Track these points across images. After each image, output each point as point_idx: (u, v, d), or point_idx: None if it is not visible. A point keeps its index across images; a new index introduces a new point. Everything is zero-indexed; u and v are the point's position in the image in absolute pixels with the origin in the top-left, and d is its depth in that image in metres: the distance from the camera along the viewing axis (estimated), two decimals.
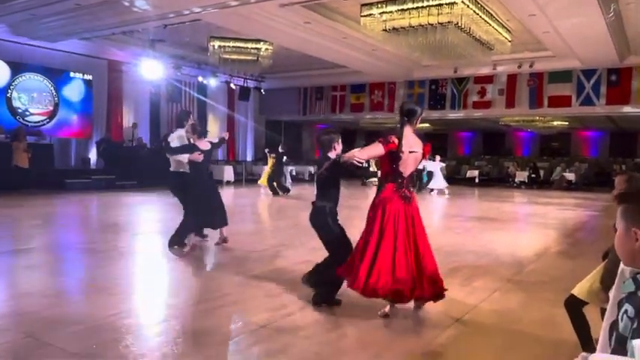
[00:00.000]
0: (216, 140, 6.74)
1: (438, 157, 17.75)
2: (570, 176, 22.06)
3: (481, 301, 4.55)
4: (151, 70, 15.64)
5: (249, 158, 23.87)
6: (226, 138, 7.08)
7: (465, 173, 24.38)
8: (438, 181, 17.68)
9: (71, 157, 17.52)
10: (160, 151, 17.93)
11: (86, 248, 6.81)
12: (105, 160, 17.07)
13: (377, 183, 4.44)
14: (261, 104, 23.63)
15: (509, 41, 12.31)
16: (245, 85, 21.46)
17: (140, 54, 15.76)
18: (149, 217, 10.15)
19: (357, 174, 5.13)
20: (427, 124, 25.90)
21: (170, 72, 17.58)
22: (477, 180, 22.98)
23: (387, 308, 4.01)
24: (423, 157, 4.20)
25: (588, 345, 2.98)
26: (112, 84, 17.90)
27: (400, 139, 3.91)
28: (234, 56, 15.63)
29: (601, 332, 2.58)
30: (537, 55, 16.15)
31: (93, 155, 17.62)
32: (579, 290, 2.98)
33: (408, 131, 4.00)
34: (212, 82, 19.90)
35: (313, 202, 4.33)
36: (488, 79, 18.69)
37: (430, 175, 17.95)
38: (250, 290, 4.70)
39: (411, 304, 4.20)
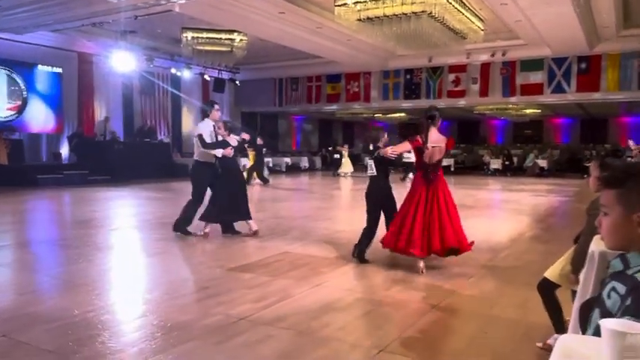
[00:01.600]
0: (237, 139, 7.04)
1: None
2: (543, 163, 22.48)
3: (458, 287, 4.62)
4: (122, 63, 15.34)
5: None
6: (247, 139, 7.28)
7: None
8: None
9: (42, 153, 17.14)
10: (133, 145, 17.74)
11: (61, 244, 6.69)
12: (77, 154, 16.75)
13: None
14: (236, 96, 23.43)
15: (482, 30, 12.41)
16: (219, 76, 21.24)
17: (111, 46, 15.44)
18: (124, 212, 10.02)
19: (397, 164, 6.48)
20: (402, 114, 26.08)
21: (142, 64, 17.28)
22: (452, 168, 23.24)
23: (421, 264, 5.06)
24: (447, 149, 5.26)
25: (560, 326, 3.06)
26: (83, 77, 17.52)
27: (426, 137, 5.08)
28: (208, 47, 15.43)
29: (572, 313, 2.67)
30: (510, 43, 16.36)
31: (65, 150, 17.26)
32: (551, 273, 3.06)
33: (432, 130, 5.14)
34: (186, 74, 19.63)
35: (371, 177, 5.59)
36: (462, 68, 18.87)
37: (411, 164, 18.15)
38: (229, 283, 4.69)
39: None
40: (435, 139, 5.15)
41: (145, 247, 6.48)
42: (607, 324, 1.14)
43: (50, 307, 3.96)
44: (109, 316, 3.79)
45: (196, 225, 6.88)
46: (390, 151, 5.28)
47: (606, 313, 1.39)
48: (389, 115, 26.88)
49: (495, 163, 22.80)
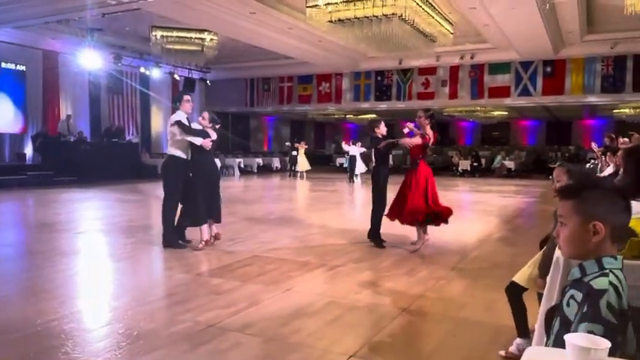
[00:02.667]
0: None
1: (359, 144, 19.03)
2: (510, 164, 22.92)
3: (427, 290, 4.65)
4: (89, 61, 15.00)
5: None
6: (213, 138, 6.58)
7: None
8: (359, 166, 18.88)
9: (5, 153, 16.61)
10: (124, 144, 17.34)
11: (24, 249, 6.48)
12: (42, 155, 16.29)
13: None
14: (207, 96, 23.18)
15: (452, 33, 12.59)
16: (190, 76, 20.99)
17: (78, 44, 15.07)
18: (90, 215, 9.78)
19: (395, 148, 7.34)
20: (373, 115, 26.21)
21: (110, 63, 16.93)
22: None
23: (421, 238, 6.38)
24: (434, 142, 6.55)
25: (523, 330, 3.11)
26: (48, 75, 17.05)
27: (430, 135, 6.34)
28: (178, 46, 15.23)
29: (538, 317, 2.71)
30: (478, 47, 16.66)
31: (29, 150, 16.76)
32: (519, 277, 3.10)
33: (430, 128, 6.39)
34: (155, 73, 19.32)
35: (374, 166, 6.76)
36: (432, 70, 19.13)
37: (353, 159, 18.65)
38: (198, 288, 4.61)
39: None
40: (430, 134, 6.42)
41: (112, 252, 6.33)
42: (572, 339, 1.15)
43: (10, 317, 3.82)
44: (73, 324, 3.67)
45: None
46: (409, 142, 6.36)
47: (565, 321, 1.41)
48: (360, 116, 27.03)
49: (464, 164, 23.14)
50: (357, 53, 17.65)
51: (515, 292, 3.16)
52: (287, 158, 22.19)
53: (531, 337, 3.06)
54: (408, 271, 5.37)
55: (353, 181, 18.29)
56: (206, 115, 6.46)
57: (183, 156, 6.28)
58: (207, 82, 21.65)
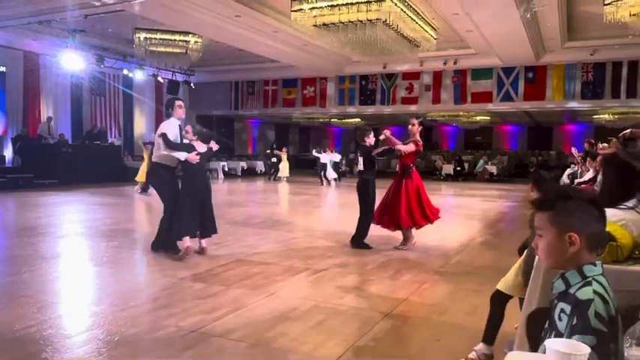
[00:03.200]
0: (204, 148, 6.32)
1: (328, 151, 19.81)
2: (492, 168, 23.17)
3: (410, 294, 4.67)
4: (71, 62, 14.80)
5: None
6: (214, 149, 6.50)
7: (394, 167, 24.96)
8: (330, 173, 19.42)
9: None
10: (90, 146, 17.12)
11: (3, 254, 6.36)
12: (22, 157, 16.01)
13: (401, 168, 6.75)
14: (191, 98, 23.02)
15: (435, 39, 12.71)
16: (173, 78, 20.84)
17: (59, 45, 14.87)
18: (71, 218, 9.64)
19: (392, 156, 7.54)
20: (357, 119, 26.29)
21: (92, 64, 16.74)
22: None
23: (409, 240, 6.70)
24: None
25: (490, 338, 3.14)
26: (29, 77, 16.78)
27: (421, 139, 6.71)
28: (162, 49, 15.10)
29: (520, 321, 2.73)
30: (461, 52, 16.81)
31: (9, 153, 16.47)
32: (504, 285, 3.12)
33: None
34: (138, 75, 19.12)
35: (360, 173, 6.85)
36: (416, 75, 19.26)
37: (324, 166, 19.22)
38: (181, 293, 4.57)
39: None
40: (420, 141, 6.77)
41: (93, 256, 6.25)
42: (552, 345, 1.16)
43: None
44: (52, 330, 3.61)
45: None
46: (405, 149, 6.51)
47: (559, 335, 1.42)
48: (345, 120, 27.11)
49: (447, 169, 23.33)
50: (341, 57, 17.71)
51: (499, 300, 3.17)
52: (269, 163, 22.46)
53: (494, 346, 3.11)
54: (391, 274, 5.39)
55: (323, 184, 18.91)
56: (189, 128, 6.27)
57: (170, 164, 6.16)
58: (192, 84, 21.52)
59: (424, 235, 7.33)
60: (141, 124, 21.20)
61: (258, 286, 4.81)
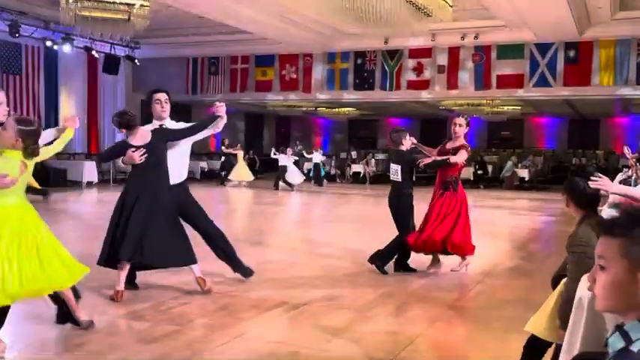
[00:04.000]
0: (174, 125, 5.93)
1: (289, 151, 20.59)
2: (523, 173, 23.31)
3: (418, 336, 4.67)
4: None
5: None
6: (219, 115, 6.07)
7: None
8: (293, 177, 20.06)
9: None
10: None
11: None
12: None
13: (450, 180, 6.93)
14: (135, 79, 22.90)
15: (451, 7, 12.77)
16: (113, 52, 20.71)
17: None
18: None
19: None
20: (352, 109, 26.35)
21: (4, 33, 16.56)
22: (413, 178, 23.62)
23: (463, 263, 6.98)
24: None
25: None
26: None
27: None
28: (97, 14, 14.94)
29: None
30: (484, 24, 16.94)
31: None
32: (534, 326, 3.11)
33: None
34: (66, 49, 18.97)
35: (398, 187, 6.98)
36: (426, 52, 19.34)
37: (284, 169, 19.81)
38: (116, 336, 4.52)
39: None
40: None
41: None
42: None
43: None
44: None
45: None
46: (460, 160, 6.81)
47: None
48: (335, 110, 27.16)
49: (465, 172, 23.43)
50: (331, 29, 17.73)
51: (536, 349, 3.16)
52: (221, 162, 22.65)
53: None
54: (394, 309, 5.39)
55: (278, 189, 19.56)
56: (113, 117, 5.77)
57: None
58: (136, 61, 21.40)
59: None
60: (68, 111, 21.01)
61: (221, 326, 4.77)
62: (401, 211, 6.94)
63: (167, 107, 5.99)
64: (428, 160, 6.88)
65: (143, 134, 5.60)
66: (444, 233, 6.67)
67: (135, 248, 5.39)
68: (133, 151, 5.44)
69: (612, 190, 4.38)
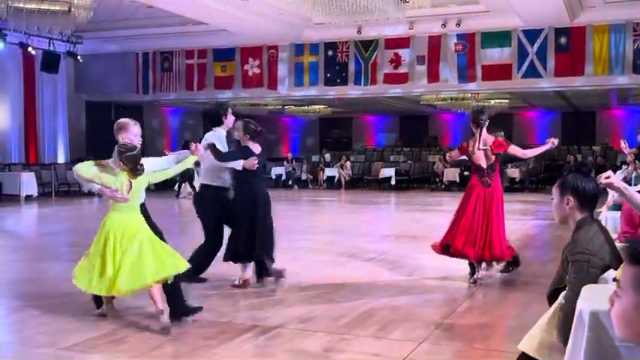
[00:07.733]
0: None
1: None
2: (514, 172, 23.48)
3: (401, 359, 4.67)
4: None
5: (61, 160, 22.81)
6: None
7: (377, 173, 25.08)
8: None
9: None
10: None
11: None
12: None
13: None
14: (78, 77, 22.69)
15: None
16: (51, 49, 20.47)
17: None
18: None
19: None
20: (323, 106, 26.37)
21: None
22: (393, 181, 23.74)
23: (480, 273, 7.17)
24: (491, 150, 7.11)
25: None
26: None
27: (471, 141, 7.24)
28: (33, 5, 14.81)
29: None
30: (466, 9, 17.08)
31: None
32: (528, 345, 3.13)
33: (483, 133, 7.17)
34: None
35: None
36: (404, 42, 19.43)
37: (187, 170, 19.05)
38: None
39: None
40: (486, 140, 7.18)
41: None
42: None
43: None
44: None
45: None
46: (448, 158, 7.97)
47: None
48: (305, 108, 27.17)
49: (451, 174, 23.52)
50: (298, 18, 17.74)
51: None
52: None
53: None
54: (375, 331, 5.38)
55: (179, 196, 19.95)
56: (240, 125, 7.00)
57: (221, 184, 7.03)
58: (79, 57, 21.16)
59: (421, 270, 7.37)
60: (2, 115, 20.74)
61: (185, 356, 4.74)
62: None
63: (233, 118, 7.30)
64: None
65: (257, 146, 6.95)
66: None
67: (265, 246, 6.90)
68: (255, 159, 6.74)
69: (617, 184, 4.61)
